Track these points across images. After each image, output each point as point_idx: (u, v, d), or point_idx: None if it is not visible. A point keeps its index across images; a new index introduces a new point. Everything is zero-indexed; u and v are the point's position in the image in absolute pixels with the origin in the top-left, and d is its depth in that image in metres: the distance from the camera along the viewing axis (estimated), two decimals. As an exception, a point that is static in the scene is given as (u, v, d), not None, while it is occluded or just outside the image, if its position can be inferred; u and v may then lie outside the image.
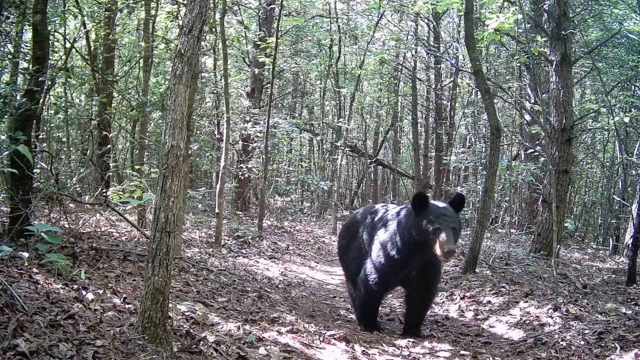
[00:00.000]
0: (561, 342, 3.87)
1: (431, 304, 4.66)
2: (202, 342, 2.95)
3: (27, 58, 7.14)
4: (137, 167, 7.14)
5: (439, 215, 3.88)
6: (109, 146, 8.21)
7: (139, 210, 6.55)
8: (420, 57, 16.56)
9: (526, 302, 4.94)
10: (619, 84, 11.47)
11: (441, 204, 4.10)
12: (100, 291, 3.39)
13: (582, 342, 3.79)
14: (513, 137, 12.50)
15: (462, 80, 14.36)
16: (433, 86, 15.53)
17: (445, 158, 12.98)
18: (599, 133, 13.18)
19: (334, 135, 16.95)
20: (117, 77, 8.01)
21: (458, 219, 4.03)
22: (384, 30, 14.30)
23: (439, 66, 15.30)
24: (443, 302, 5.55)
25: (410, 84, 17.08)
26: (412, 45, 14.89)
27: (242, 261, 6.66)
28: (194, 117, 9.32)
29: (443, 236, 3.75)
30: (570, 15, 7.96)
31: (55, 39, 7.94)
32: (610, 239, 10.70)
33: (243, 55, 12.69)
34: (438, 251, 3.77)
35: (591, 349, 3.66)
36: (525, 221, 11.44)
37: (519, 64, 11.41)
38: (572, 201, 13.05)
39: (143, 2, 8.32)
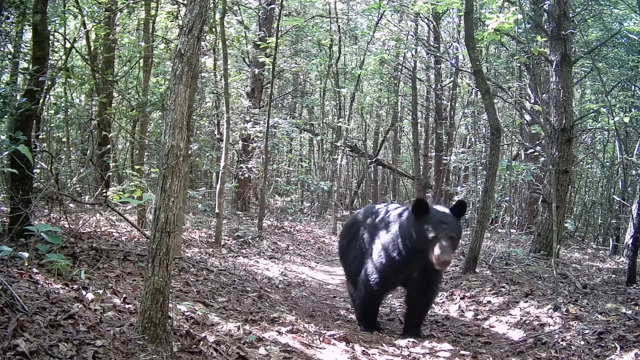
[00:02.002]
0: (561, 342, 3.87)
1: (431, 304, 4.66)
2: (202, 342, 2.95)
3: (27, 58, 7.14)
4: (137, 167, 7.14)
5: (437, 223, 3.88)
6: (109, 146, 8.20)
7: (139, 210, 6.55)
8: (420, 57, 16.56)
9: (526, 302, 4.94)
10: (619, 84, 11.46)
11: (441, 210, 4.10)
12: (100, 291, 3.39)
13: (582, 342, 3.79)
14: (513, 137, 12.49)
15: (462, 80, 14.36)
16: (433, 86, 15.53)
17: (445, 158, 12.98)
18: (599, 133, 13.18)
19: (334, 135, 16.95)
20: (117, 77, 8.00)
21: (458, 226, 4.02)
22: (384, 30, 14.29)
23: (439, 66, 15.30)
24: (443, 302, 5.55)
25: (410, 84, 17.08)
26: (412, 45, 14.88)
27: (242, 261, 6.66)
28: (194, 117, 9.31)
29: (440, 245, 3.77)
30: (570, 15, 7.96)
31: (55, 39, 7.94)
32: (610, 239, 10.70)
33: (243, 55, 12.68)
34: (434, 259, 3.80)
35: (591, 349, 3.66)
36: (525, 221, 11.44)
37: (519, 64, 11.41)
38: (572, 201, 13.05)
39: (143, 2, 8.32)
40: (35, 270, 3.40)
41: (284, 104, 16.62)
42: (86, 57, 8.41)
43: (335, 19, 13.31)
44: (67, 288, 3.24)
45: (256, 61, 11.18)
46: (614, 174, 12.53)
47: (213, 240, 7.11)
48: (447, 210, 4.07)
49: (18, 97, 4.78)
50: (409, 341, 4.08)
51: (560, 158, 7.32)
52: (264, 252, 7.70)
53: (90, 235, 5.21)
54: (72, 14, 7.95)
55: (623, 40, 10.61)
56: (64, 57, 7.21)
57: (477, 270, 6.39)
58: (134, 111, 7.28)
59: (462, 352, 3.90)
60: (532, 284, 5.59)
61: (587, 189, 15.00)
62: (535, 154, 10.31)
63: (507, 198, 10.44)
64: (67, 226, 4.85)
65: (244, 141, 11.43)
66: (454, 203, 4.27)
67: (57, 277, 3.41)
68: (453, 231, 3.91)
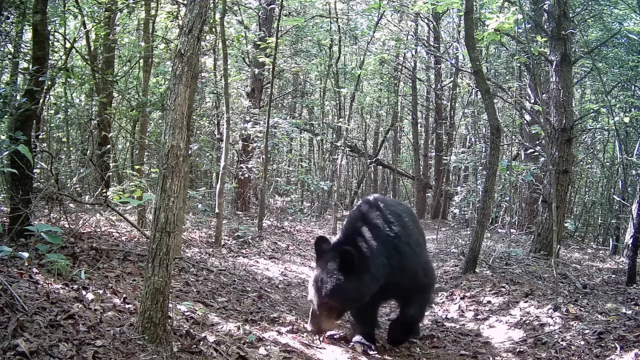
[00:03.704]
0: (561, 342, 3.87)
1: (421, 308, 4.14)
2: (202, 342, 2.95)
3: (27, 58, 7.14)
4: (137, 167, 7.14)
5: (314, 278, 3.50)
6: (109, 146, 8.20)
7: (139, 210, 6.54)
8: (420, 57, 16.58)
9: (526, 302, 4.94)
10: (619, 84, 11.47)
11: (333, 261, 3.42)
12: (100, 291, 3.39)
13: (582, 342, 3.79)
14: (513, 137, 12.50)
15: (462, 80, 14.37)
16: (433, 86, 15.55)
17: (445, 158, 12.99)
18: (599, 133, 13.18)
19: (334, 135, 16.96)
20: (117, 77, 8.00)
21: (332, 288, 3.33)
22: (384, 30, 14.30)
23: (439, 66, 15.32)
24: (443, 302, 5.55)
25: (410, 84, 17.11)
26: (412, 45, 14.90)
27: (242, 261, 6.65)
28: (194, 117, 9.32)
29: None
30: (570, 15, 7.96)
31: (55, 39, 7.94)
32: (610, 239, 10.69)
33: (243, 55, 12.69)
34: None
35: (591, 349, 3.66)
36: (525, 221, 11.43)
37: (519, 64, 11.41)
38: (572, 201, 13.05)
39: (143, 2, 8.32)
40: (35, 270, 3.40)
41: (284, 104, 16.63)
42: (86, 57, 8.41)
43: (335, 19, 13.30)
44: (67, 288, 3.24)
45: (256, 61, 11.18)
46: (614, 174, 12.53)
47: (213, 240, 7.10)
48: (339, 255, 3.37)
49: (18, 97, 4.79)
50: (408, 341, 4.08)
51: (560, 158, 7.32)
52: (264, 252, 7.70)
53: (90, 235, 5.21)
54: (72, 14, 7.95)
55: (623, 40, 10.62)
56: (64, 57, 7.21)
57: (477, 270, 6.39)
58: (134, 111, 7.28)
59: (462, 352, 3.90)
60: (532, 284, 5.59)
61: (587, 189, 15.00)
62: (535, 154, 10.31)
63: (507, 198, 10.44)
64: (67, 226, 4.85)
65: (244, 141, 11.43)
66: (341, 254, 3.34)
67: (57, 277, 3.41)
68: (323, 297, 3.38)
